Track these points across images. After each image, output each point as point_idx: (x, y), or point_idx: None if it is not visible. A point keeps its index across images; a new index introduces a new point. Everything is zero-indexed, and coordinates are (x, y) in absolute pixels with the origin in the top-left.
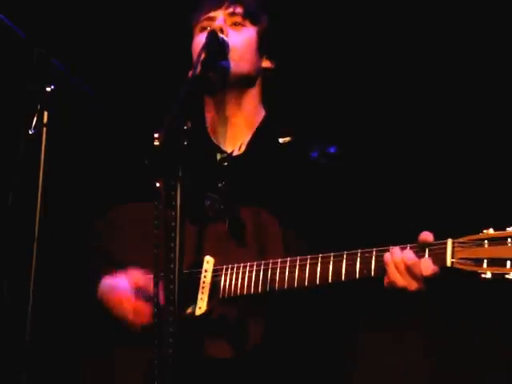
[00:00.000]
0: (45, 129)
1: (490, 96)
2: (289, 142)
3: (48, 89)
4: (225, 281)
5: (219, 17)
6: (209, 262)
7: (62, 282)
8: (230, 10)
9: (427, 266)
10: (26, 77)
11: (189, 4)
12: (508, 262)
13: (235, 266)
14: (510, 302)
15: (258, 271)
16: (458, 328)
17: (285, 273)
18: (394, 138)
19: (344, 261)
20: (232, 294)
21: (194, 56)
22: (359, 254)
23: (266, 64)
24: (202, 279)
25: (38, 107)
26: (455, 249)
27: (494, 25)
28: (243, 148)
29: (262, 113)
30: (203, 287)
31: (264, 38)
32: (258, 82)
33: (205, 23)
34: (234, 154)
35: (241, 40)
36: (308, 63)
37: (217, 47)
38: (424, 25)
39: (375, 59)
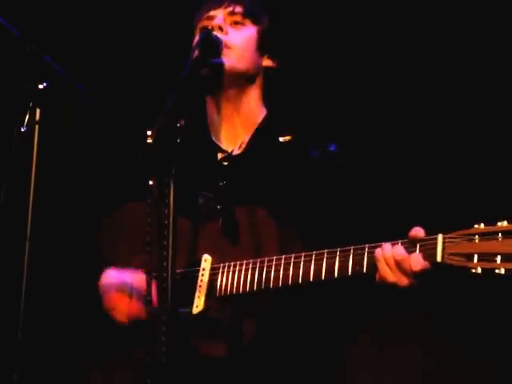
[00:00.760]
0: (37, 126)
1: (482, 91)
2: (289, 140)
3: (40, 86)
4: (221, 279)
5: (219, 15)
6: (206, 261)
7: (54, 280)
8: (230, 8)
9: (417, 262)
10: (19, 74)
11: (182, 1)
12: (498, 257)
13: (232, 264)
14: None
15: (253, 269)
16: (455, 326)
17: (279, 270)
18: (388, 135)
19: (337, 257)
20: (228, 293)
21: None
22: (352, 251)
23: (267, 63)
24: (200, 278)
25: (31, 104)
26: (446, 244)
27: (494, 25)
28: (243, 147)
29: (263, 112)
30: (200, 286)
31: (265, 37)
32: (259, 81)
33: (205, 22)
34: (234, 153)
35: (240, 38)
36: (309, 62)
37: (210, 45)
38: (424, 22)
39: (375, 58)
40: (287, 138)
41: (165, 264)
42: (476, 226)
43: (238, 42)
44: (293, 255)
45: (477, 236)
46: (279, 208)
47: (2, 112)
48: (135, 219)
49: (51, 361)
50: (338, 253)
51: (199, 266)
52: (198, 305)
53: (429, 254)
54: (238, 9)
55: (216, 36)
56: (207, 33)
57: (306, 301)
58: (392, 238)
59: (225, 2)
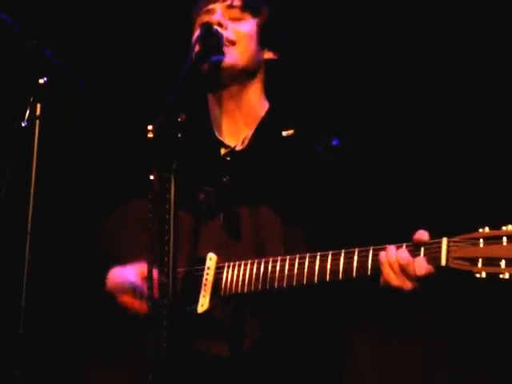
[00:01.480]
0: (37, 121)
1: (487, 95)
2: (292, 134)
3: (41, 81)
4: (226, 278)
5: (217, 10)
6: (211, 260)
7: (56, 276)
8: (228, 2)
9: (421, 266)
10: (19, 69)
11: None
12: (503, 262)
13: (237, 263)
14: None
15: (258, 269)
16: (456, 328)
17: (284, 271)
18: (396, 131)
19: (342, 259)
20: (233, 292)
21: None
22: (356, 253)
23: (268, 55)
24: (205, 276)
25: (31, 99)
26: (450, 248)
27: (494, 25)
28: (246, 142)
29: (266, 105)
30: (205, 284)
31: (265, 30)
32: (261, 75)
33: (204, 17)
34: (237, 148)
35: (241, 33)
36: (311, 54)
37: (210, 40)
38: (425, 17)
39: (378, 51)
40: (290, 131)
41: (166, 259)
42: (480, 230)
43: (239, 36)
44: (297, 256)
45: (481, 240)
46: (283, 204)
47: (2, 107)
48: (138, 215)
49: (53, 356)
50: (342, 254)
51: (202, 263)
52: (203, 304)
53: (433, 257)
54: (237, 2)
55: (216, 30)
56: (207, 28)
57: (309, 301)
58: (396, 238)
59: None
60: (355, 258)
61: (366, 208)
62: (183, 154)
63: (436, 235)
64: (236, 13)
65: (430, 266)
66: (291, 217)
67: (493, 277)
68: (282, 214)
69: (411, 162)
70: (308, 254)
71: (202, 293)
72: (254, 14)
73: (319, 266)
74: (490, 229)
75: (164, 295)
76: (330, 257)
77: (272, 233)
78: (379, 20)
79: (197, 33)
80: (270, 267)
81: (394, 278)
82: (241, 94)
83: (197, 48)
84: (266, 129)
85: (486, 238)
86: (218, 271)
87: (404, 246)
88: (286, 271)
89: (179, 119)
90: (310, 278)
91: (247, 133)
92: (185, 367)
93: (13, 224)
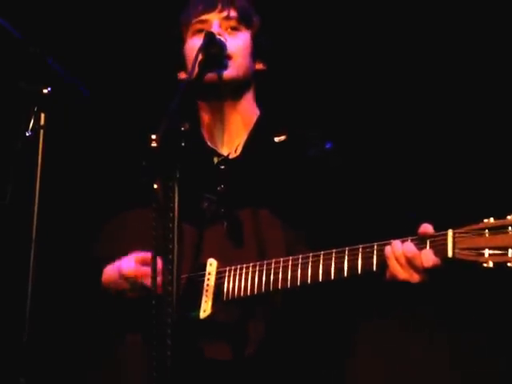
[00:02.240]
0: (42, 131)
1: (487, 90)
2: (284, 140)
3: (45, 90)
4: (228, 283)
5: (214, 21)
6: (212, 265)
7: (59, 283)
8: (225, 13)
9: (428, 258)
10: (23, 78)
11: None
12: (510, 251)
13: (238, 267)
14: None
15: (260, 271)
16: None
17: (287, 272)
18: (391, 130)
19: (346, 256)
20: (236, 296)
21: (188, 58)
22: (361, 249)
23: (258, 66)
24: (206, 282)
25: (35, 109)
26: (456, 239)
27: (494, 25)
28: (239, 150)
29: (257, 113)
30: (207, 290)
31: (258, 42)
32: (252, 84)
33: (198, 26)
34: (231, 156)
35: (239, 46)
36: (299, 59)
37: (214, 49)
38: (415, 21)
39: (368, 55)
40: (282, 137)
41: (170, 267)
42: (485, 220)
43: (238, 50)
44: (300, 256)
45: (486, 230)
46: (282, 208)
47: (6, 116)
48: (134, 226)
49: (58, 364)
50: (346, 252)
51: (203, 269)
52: (206, 309)
53: (439, 249)
54: (233, 13)
55: (219, 40)
56: (210, 37)
57: (313, 304)
58: (396, 236)
59: (218, 6)
60: (360, 254)
61: (365, 207)
62: (185, 164)
63: (439, 228)
64: (233, 25)
65: (437, 258)
66: (290, 220)
67: (500, 266)
68: (281, 217)
69: (407, 159)
70: (311, 254)
71: (204, 298)
72: (248, 25)
73: (323, 264)
74: (494, 219)
75: (168, 303)
76: (333, 255)
77: (273, 236)
78: (368, 26)
79: (192, 41)
80: (272, 269)
81: (400, 272)
82: (234, 103)
83: (200, 57)
84: (258, 136)
85: (491, 228)
86: (220, 276)
87: (409, 240)
88: (290, 272)
89: (182, 128)
90: (315, 277)
91: (240, 140)
92: (188, 372)
93: (17, 232)
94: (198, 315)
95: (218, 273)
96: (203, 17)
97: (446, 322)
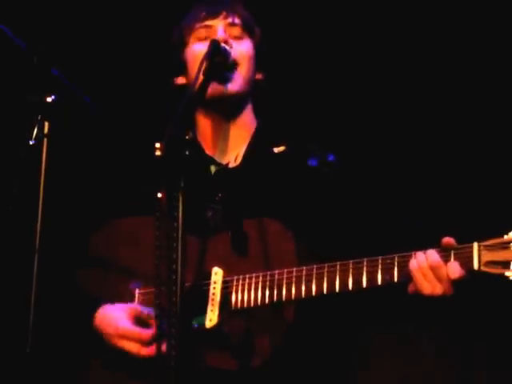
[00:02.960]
0: (45, 139)
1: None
2: (284, 151)
3: (49, 99)
4: (236, 292)
5: (219, 27)
6: (217, 274)
7: (62, 294)
8: (229, 20)
9: (454, 270)
10: (27, 87)
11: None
12: None
13: (246, 276)
14: None
15: (271, 281)
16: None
17: (301, 282)
18: (394, 138)
19: (364, 267)
20: (244, 306)
21: (191, 64)
22: (380, 261)
23: (258, 76)
24: (212, 291)
25: (39, 117)
26: (481, 252)
27: (494, 25)
28: (239, 160)
29: (255, 123)
30: (213, 299)
31: (259, 52)
32: (252, 94)
33: (201, 31)
34: (231, 165)
35: (243, 53)
36: (296, 70)
37: (219, 57)
38: (411, 29)
39: (366, 65)
40: (281, 148)
41: (174, 277)
42: (510, 233)
43: (242, 57)
44: (315, 266)
45: (511, 244)
46: (288, 218)
47: (10, 125)
48: (132, 233)
49: (60, 373)
50: (365, 263)
51: (209, 279)
52: (212, 318)
53: (465, 261)
54: (237, 20)
55: (224, 48)
56: (215, 45)
57: (325, 316)
58: (403, 246)
59: (222, 12)
60: (379, 266)
61: (372, 217)
62: (188, 172)
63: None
64: (237, 31)
65: (464, 270)
66: (297, 231)
67: None
68: (293, 228)
69: (411, 168)
70: (326, 264)
71: (210, 307)
72: (251, 34)
73: (340, 275)
74: None
75: (173, 314)
76: (351, 266)
77: (285, 248)
78: (365, 36)
79: (195, 47)
80: (284, 279)
81: (426, 285)
82: (236, 113)
83: (205, 65)
84: (257, 146)
85: None
86: (226, 285)
87: (434, 250)
88: (304, 282)
89: (187, 137)
90: (331, 288)
91: (239, 150)
92: (192, 381)
93: (21, 241)
94: (204, 324)
95: (224, 282)
96: (207, 22)
97: (459, 335)
